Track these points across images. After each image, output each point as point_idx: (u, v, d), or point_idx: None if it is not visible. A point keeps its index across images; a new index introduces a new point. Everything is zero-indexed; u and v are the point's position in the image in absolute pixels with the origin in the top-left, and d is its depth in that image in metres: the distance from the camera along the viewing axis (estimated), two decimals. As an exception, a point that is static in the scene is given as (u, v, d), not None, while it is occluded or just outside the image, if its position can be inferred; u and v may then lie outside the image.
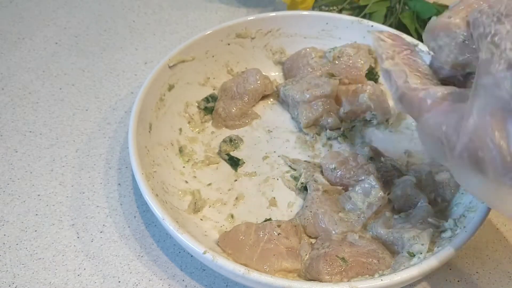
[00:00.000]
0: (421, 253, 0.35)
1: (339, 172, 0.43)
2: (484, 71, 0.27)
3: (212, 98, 0.52)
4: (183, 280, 0.39)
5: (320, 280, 0.35)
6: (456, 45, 0.32)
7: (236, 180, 0.45)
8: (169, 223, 0.35)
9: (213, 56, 0.52)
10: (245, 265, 0.35)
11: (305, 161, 0.46)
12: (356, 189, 0.41)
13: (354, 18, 0.53)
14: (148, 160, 0.42)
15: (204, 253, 0.34)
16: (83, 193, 0.45)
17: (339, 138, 0.49)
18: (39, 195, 0.44)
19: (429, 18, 0.57)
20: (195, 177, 0.45)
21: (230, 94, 0.51)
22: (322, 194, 0.41)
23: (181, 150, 0.47)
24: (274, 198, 0.44)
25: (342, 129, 0.49)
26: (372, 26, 0.52)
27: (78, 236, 0.41)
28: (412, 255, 0.36)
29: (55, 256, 0.40)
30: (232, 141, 0.48)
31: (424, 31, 0.36)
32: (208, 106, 0.51)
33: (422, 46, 0.50)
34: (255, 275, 0.33)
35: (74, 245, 0.41)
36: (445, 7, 0.59)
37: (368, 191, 0.40)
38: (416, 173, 0.43)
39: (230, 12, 0.66)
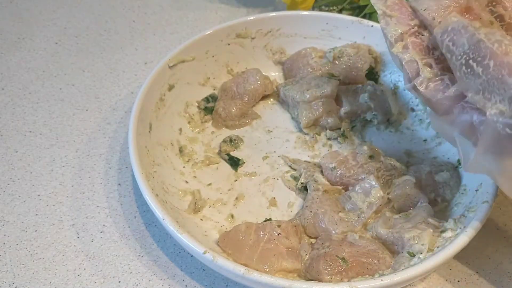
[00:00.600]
0: (421, 253, 0.35)
1: (339, 171, 0.43)
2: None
3: (212, 98, 0.52)
4: (183, 280, 0.39)
5: (320, 280, 0.35)
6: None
7: (236, 180, 0.45)
8: (169, 223, 0.35)
9: (213, 56, 0.52)
10: (245, 265, 0.35)
11: (305, 161, 0.46)
12: (356, 189, 0.41)
13: (354, 18, 0.53)
14: (148, 160, 0.42)
15: (204, 253, 0.34)
16: (83, 193, 0.45)
17: (339, 138, 0.49)
18: (39, 195, 0.44)
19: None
20: (195, 177, 0.45)
21: (230, 94, 0.51)
22: (322, 194, 0.41)
23: (181, 150, 0.47)
24: (274, 198, 0.44)
25: (342, 129, 0.49)
26: (372, 26, 0.52)
27: (78, 236, 0.41)
28: (412, 255, 0.36)
29: (55, 256, 0.40)
30: (232, 141, 0.48)
31: None
32: (208, 106, 0.51)
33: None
34: (255, 275, 0.33)
35: (74, 245, 0.41)
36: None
37: (368, 191, 0.40)
38: (416, 173, 0.43)
39: (230, 12, 0.66)
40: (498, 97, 0.28)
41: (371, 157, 0.44)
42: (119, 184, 0.45)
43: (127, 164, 0.47)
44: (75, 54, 0.59)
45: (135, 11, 0.66)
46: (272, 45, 0.55)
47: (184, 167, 0.46)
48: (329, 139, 0.49)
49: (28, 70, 0.57)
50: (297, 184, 0.44)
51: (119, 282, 0.38)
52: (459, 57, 0.30)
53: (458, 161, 0.43)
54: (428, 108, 0.36)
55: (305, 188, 0.43)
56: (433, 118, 0.35)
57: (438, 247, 0.35)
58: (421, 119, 0.49)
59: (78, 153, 0.48)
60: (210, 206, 0.43)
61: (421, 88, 0.33)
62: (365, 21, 0.52)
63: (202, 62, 0.51)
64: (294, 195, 0.44)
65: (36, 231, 0.42)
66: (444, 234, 0.37)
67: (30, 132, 0.50)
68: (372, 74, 0.52)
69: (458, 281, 0.39)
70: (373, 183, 0.40)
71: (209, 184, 0.45)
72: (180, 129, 0.49)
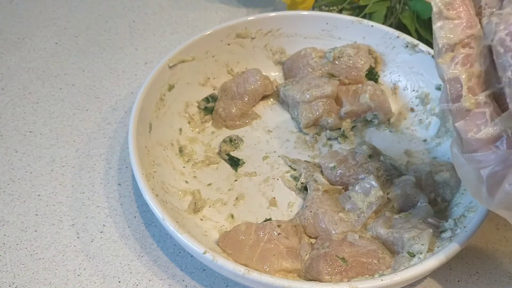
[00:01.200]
0: (421, 253, 0.35)
1: (339, 171, 0.43)
2: None
3: (212, 98, 0.52)
4: (183, 280, 0.39)
5: (320, 280, 0.35)
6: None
7: (236, 180, 0.45)
8: (169, 223, 0.35)
9: (213, 56, 0.52)
10: (245, 265, 0.35)
11: (305, 161, 0.46)
12: (356, 188, 0.41)
13: (354, 18, 0.53)
14: (148, 160, 0.42)
15: (204, 253, 0.34)
16: (83, 193, 0.45)
17: (339, 138, 0.49)
18: (39, 195, 0.44)
19: (429, 18, 0.58)
20: (195, 177, 0.45)
21: (230, 94, 0.51)
22: (322, 194, 0.41)
23: (181, 150, 0.47)
24: (274, 198, 0.44)
25: (342, 129, 0.49)
26: (372, 26, 0.52)
27: (78, 236, 0.41)
28: (412, 255, 0.36)
29: (55, 256, 0.40)
30: (232, 141, 0.48)
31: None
32: (208, 106, 0.51)
33: (422, 46, 0.50)
34: (255, 275, 0.33)
35: (74, 245, 0.41)
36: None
37: (367, 191, 0.40)
38: (416, 173, 0.43)
39: (230, 12, 0.66)
40: None
41: (370, 156, 0.44)
42: (119, 184, 0.45)
43: (127, 164, 0.47)
44: (75, 54, 0.59)
45: (135, 11, 0.66)
46: (272, 45, 0.55)
47: (184, 167, 0.46)
48: (329, 139, 0.49)
49: (28, 70, 0.57)
50: (297, 184, 0.44)
51: (119, 282, 0.38)
52: None
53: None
54: (454, 136, 0.30)
55: (305, 188, 0.43)
56: (454, 148, 0.30)
57: (438, 247, 0.35)
58: (421, 119, 0.49)
59: (78, 153, 0.48)
60: (210, 206, 0.43)
61: (457, 110, 0.28)
62: (365, 21, 0.52)
63: (202, 62, 0.51)
64: (294, 195, 0.44)
65: (36, 231, 0.42)
66: (444, 234, 0.37)
67: (30, 132, 0.50)
68: (372, 74, 0.52)
69: (458, 281, 0.39)
70: (373, 183, 0.40)
71: (209, 184, 0.45)
72: (180, 129, 0.49)
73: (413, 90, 0.51)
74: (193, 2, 0.68)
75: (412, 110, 0.50)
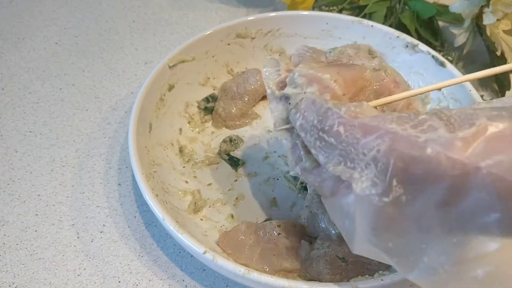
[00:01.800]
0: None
1: None
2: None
3: (212, 98, 0.52)
4: (183, 280, 0.39)
5: (320, 280, 0.35)
6: None
7: (236, 180, 0.45)
8: (169, 223, 0.35)
9: (213, 56, 0.52)
10: (245, 265, 0.35)
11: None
12: None
13: (354, 18, 0.53)
14: (148, 160, 0.42)
15: (204, 253, 0.34)
16: (83, 193, 0.45)
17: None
18: (39, 195, 0.44)
19: (429, 18, 0.58)
20: (195, 177, 0.45)
21: (230, 94, 0.51)
22: None
23: (181, 150, 0.47)
24: (275, 198, 0.44)
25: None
26: (372, 26, 0.52)
27: (78, 236, 0.41)
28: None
29: (55, 256, 0.40)
30: (232, 141, 0.48)
31: None
32: (208, 106, 0.51)
33: (422, 46, 0.50)
34: (255, 275, 0.33)
35: (74, 245, 0.41)
36: (445, 7, 0.59)
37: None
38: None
39: (230, 12, 0.66)
40: (362, 163, 0.25)
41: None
42: (119, 184, 0.45)
43: (127, 164, 0.47)
44: (75, 54, 0.59)
45: (135, 11, 0.66)
46: (272, 45, 0.55)
47: (184, 167, 0.46)
48: (329, 139, 0.49)
49: (28, 70, 0.57)
50: (297, 184, 0.44)
51: (119, 282, 0.38)
52: (312, 133, 0.28)
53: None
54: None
55: (305, 188, 0.43)
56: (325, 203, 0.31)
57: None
58: (421, 119, 0.49)
59: (78, 153, 0.48)
60: (210, 206, 0.43)
61: (302, 175, 0.31)
62: (365, 21, 0.52)
63: (202, 62, 0.51)
64: (294, 195, 0.44)
65: (36, 231, 0.42)
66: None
67: (30, 132, 0.50)
68: (372, 74, 0.52)
69: (458, 281, 0.39)
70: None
71: (209, 184, 0.45)
72: (180, 129, 0.49)
73: (413, 90, 0.51)
74: (193, 2, 0.68)
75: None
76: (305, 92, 0.30)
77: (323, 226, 0.40)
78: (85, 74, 0.57)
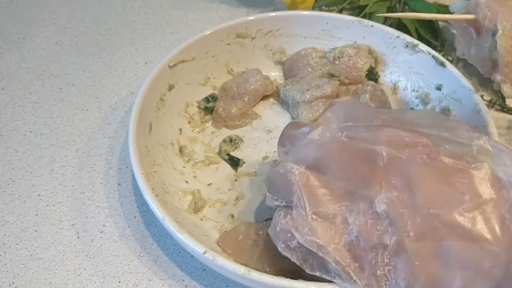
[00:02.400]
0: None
1: None
2: None
3: (212, 98, 0.52)
4: (183, 280, 0.39)
5: (320, 280, 0.35)
6: None
7: (236, 180, 0.45)
8: (169, 223, 0.35)
9: (213, 56, 0.52)
10: (245, 265, 0.35)
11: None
12: None
13: (354, 18, 0.53)
14: (148, 160, 0.42)
15: (204, 253, 0.34)
16: (83, 193, 0.45)
17: (339, 138, 0.49)
18: (39, 195, 0.44)
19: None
20: (195, 177, 0.45)
21: (230, 94, 0.51)
22: None
23: (181, 150, 0.47)
24: (274, 198, 0.44)
25: (342, 129, 0.49)
26: (372, 26, 0.52)
27: (78, 236, 0.41)
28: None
29: (55, 256, 0.40)
30: (232, 141, 0.48)
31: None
32: (208, 106, 0.51)
33: (422, 46, 0.50)
34: (255, 275, 0.32)
35: (74, 245, 0.41)
36: (445, 7, 0.59)
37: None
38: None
39: (230, 12, 0.66)
40: None
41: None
42: (119, 184, 0.45)
43: (127, 164, 0.47)
44: (75, 54, 0.59)
45: (135, 11, 0.66)
46: (272, 45, 0.55)
47: (184, 167, 0.46)
48: (329, 139, 0.49)
49: (28, 70, 0.57)
50: None
51: (119, 282, 0.38)
52: None
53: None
54: None
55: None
56: None
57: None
58: (421, 119, 0.49)
59: (78, 153, 0.48)
60: (210, 206, 0.43)
61: None
62: (365, 21, 0.52)
63: (202, 62, 0.51)
64: (294, 195, 0.44)
65: (36, 231, 0.42)
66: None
67: (30, 132, 0.50)
68: (372, 74, 0.52)
69: (458, 281, 0.39)
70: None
71: (209, 184, 0.45)
72: (180, 129, 0.49)
73: (413, 90, 0.51)
74: (193, 2, 0.68)
75: (412, 110, 0.50)
76: None
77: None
78: (85, 74, 0.57)
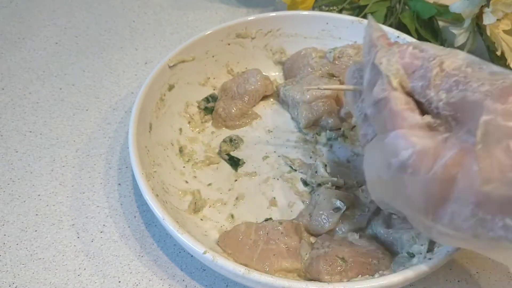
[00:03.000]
0: (420, 253, 0.35)
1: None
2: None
3: (212, 98, 0.52)
4: (183, 280, 0.39)
5: (320, 280, 0.35)
6: None
7: (236, 180, 0.45)
8: (169, 223, 0.35)
9: (213, 56, 0.52)
10: (245, 265, 0.35)
11: (304, 163, 0.46)
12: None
13: (354, 18, 0.53)
14: (148, 160, 0.42)
15: (204, 253, 0.34)
16: (83, 193, 0.45)
17: (339, 138, 0.49)
18: (39, 195, 0.44)
19: (429, 18, 0.58)
20: (195, 177, 0.45)
21: (230, 94, 0.51)
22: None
23: (181, 150, 0.47)
24: (274, 198, 0.44)
25: (342, 130, 0.49)
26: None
27: (78, 236, 0.41)
28: (411, 255, 0.36)
29: (55, 256, 0.40)
30: (232, 141, 0.48)
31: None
32: (208, 106, 0.51)
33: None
34: (255, 275, 0.33)
35: (74, 245, 0.41)
36: (445, 7, 0.59)
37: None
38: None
39: (230, 12, 0.66)
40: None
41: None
42: (119, 184, 0.45)
43: (127, 164, 0.47)
44: (75, 54, 0.59)
45: (135, 11, 0.66)
46: (272, 45, 0.55)
47: (184, 167, 0.46)
48: (329, 139, 0.49)
49: (28, 70, 0.57)
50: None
51: (119, 282, 0.38)
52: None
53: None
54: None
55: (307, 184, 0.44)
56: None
57: (438, 247, 0.35)
58: (421, 119, 0.49)
59: (78, 153, 0.48)
60: (210, 206, 0.43)
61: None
62: (365, 21, 0.52)
63: (202, 62, 0.51)
64: (294, 195, 0.44)
65: (36, 231, 0.42)
66: (444, 234, 0.37)
67: (30, 132, 0.50)
68: (372, 74, 0.52)
69: (458, 281, 0.39)
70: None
71: (209, 184, 0.45)
72: (180, 129, 0.49)
73: (413, 90, 0.51)
74: (193, 2, 0.68)
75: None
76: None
77: (327, 225, 0.40)
78: (85, 74, 0.57)
